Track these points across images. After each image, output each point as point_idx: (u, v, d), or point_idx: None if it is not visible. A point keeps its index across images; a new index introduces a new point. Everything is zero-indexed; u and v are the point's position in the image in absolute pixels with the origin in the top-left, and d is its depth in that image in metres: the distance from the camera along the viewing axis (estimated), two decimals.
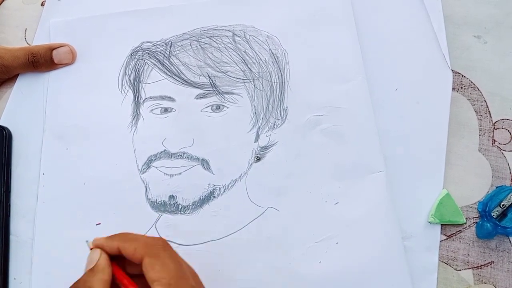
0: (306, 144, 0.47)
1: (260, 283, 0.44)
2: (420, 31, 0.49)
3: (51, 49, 0.51)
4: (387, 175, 0.46)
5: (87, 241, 0.38)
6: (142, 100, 0.50)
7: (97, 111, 0.50)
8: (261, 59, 0.50)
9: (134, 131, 0.49)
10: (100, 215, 0.47)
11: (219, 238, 0.46)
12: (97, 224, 0.47)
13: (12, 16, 0.55)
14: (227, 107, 0.49)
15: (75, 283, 0.36)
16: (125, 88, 0.51)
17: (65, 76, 0.52)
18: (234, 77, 0.49)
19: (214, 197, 0.47)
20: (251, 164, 0.47)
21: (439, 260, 0.44)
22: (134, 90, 0.51)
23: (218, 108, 0.49)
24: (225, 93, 0.49)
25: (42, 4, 0.55)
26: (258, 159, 0.48)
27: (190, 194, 0.47)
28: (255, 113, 0.49)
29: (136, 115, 0.50)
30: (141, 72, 0.51)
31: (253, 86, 0.49)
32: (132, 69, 0.51)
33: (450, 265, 0.44)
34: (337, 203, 0.46)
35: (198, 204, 0.47)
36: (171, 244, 0.45)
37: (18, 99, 0.52)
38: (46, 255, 0.46)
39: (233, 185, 0.47)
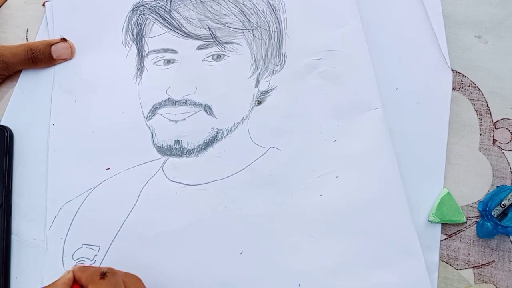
0: (305, 86, 0.49)
1: (265, 217, 0.46)
2: (420, 31, 0.50)
3: (50, 44, 0.52)
4: (385, 114, 0.47)
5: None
6: (145, 54, 0.52)
7: (103, 66, 0.52)
8: (258, 9, 0.52)
9: (139, 82, 0.51)
10: (109, 160, 0.49)
11: (224, 177, 0.48)
12: (106, 169, 0.49)
13: (13, 16, 0.56)
14: (228, 56, 0.51)
15: None
16: (129, 43, 0.53)
17: (70, 34, 0.53)
18: (233, 28, 0.51)
19: (217, 140, 0.49)
20: (252, 107, 0.49)
21: (440, 259, 0.45)
22: (137, 45, 0.52)
23: (219, 57, 0.51)
24: (225, 43, 0.51)
25: (43, 5, 0.55)
26: (259, 102, 0.49)
27: (195, 138, 0.49)
28: (255, 60, 0.50)
29: (140, 67, 0.52)
30: (143, 27, 0.53)
31: (252, 36, 0.51)
32: (135, 24, 0.53)
33: (450, 265, 0.45)
34: (336, 140, 0.47)
35: (203, 147, 0.49)
36: (178, 185, 0.48)
37: (20, 99, 0.52)
38: (59, 201, 0.48)
39: (235, 128, 0.49)
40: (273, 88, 0.50)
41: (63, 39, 0.52)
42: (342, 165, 0.47)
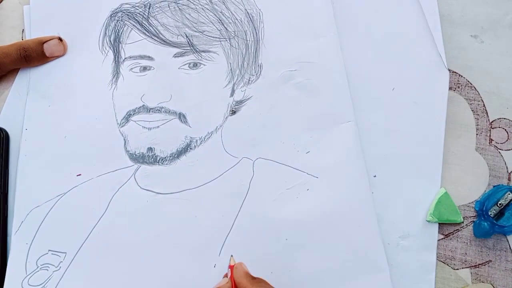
0: (280, 97, 0.49)
1: (235, 228, 0.46)
2: (416, 31, 0.50)
3: (42, 42, 0.51)
4: (357, 127, 0.47)
5: (231, 256, 0.44)
6: (122, 60, 0.52)
7: (79, 71, 0.52)
8: (236, 18, 0.52)
9: (114, 88, 0.51)
10: (80, 166, 0.49)
11: (196, 187, 0.47)
12: (77, 175, 0.48)
13: (9, 17, 0.55)
14: (204, 65, 0.51)
15: None
16: (106, 48, 0.52)
17: None
18: (211, 36, 0.51)
19: (191, 148, 0.48)
20: (227, 117, 0.49)
21: (437, 259, 0.45)
22: (114, 51, 0.52)
23: (195, 65, 0.51)
24: (202, 51, 0.51)
25: None
26: (234, 112, 0.49)
27: (168, 146, 0.49)
28: (231, 70, 0.50)
29: (116, 73, 0.51)
30: (121, 33, 0.52)
31: (229, 45, 0.51)
32: (112, 30, 0.53)
33: (447, 264, 0.45)
34: (308, 152, 0.47)
35: (176, 156, 0.48)
36: (149, 193, 0.48)
37: (16, 101, 0.52)
38: (27, 206, 0.48)
39: (209, 137, 0.49)
40: (248, 98, 0.49)
41: (59, 39, 0.52)
42: (313, 178, 0.46)
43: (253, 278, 0.41)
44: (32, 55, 0.51)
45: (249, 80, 0.50)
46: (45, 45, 0.51)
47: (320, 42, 0.50)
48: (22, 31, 0.55)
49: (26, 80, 0.52)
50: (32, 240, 0.47)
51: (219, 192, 0.47)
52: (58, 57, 0.52)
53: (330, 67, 0.49)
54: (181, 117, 0.49)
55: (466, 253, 0.45)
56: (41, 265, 0.46)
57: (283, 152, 0.48)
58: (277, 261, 0.45)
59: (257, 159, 0.48)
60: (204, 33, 0.51)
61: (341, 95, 0.48)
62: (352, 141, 0.47)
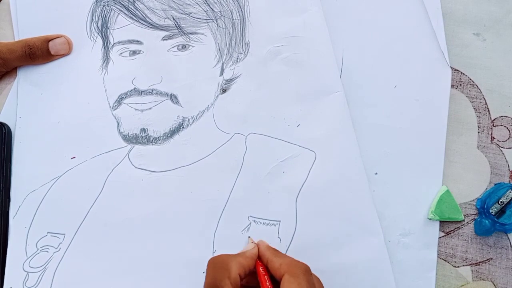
0: (268, 73, 0.50)
1: (230, 201, 0.47)
2: (419, 29, 0.49)
3: (47, 40, 0.51)
4: (345, 97, 0.48)
5: (249, 237, 0.45)
6: (111, 45, 0.52)
7: (69, 58, 0.52)
8: None
9: (105, 73, 0.52)
10: (74, 149, 0.49)
11: (190, 163, 0.48)
12: (72, 158, 0.49)
13: (11, 12, 0.55)
14: (193, 46, 0.51)
15: (218, 255, 0.40)
16: (94, 34, 0.53)
17: (35, 27, 0.53)
18: (198, 18, 0.52)
19: (183, 127, 0.49)
20: (217, 95, 0.50)
21: (438, 257, 0.45)
22: (102, 36, 0.53)
23: (184, 47, 0.51)
24: (190, 33, 0.51)
25: None
26: (224, 91, 0.50)
27: (161, 126, 0.49)
28: (219, 49, 0.51)
29: (106, 59, 0.52)
30: (108, 18, 0.53)
31: (216, 25, 0.52)
32: (99, 16, 0.53)
33: (448, 262, 0.45)
34: (299, 125, 0.48)
35: (169, 135, 0.49)
36: (144, 172, 0.48)
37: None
38: (23, 190, 0.49)
39: (201, 115, 0.49)
40: (238, 76, 0.50)
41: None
42: (305, 149, 0.47)
43: (276, 250, 0.42)
44: (37, 53, 0.51)
45: (237, 58, 0.51)
46: (50, 43, 0.51)
47: (305, 16, 0.51)
48: None
49: (29, 76, 0.52)
50: (31, 224, 0.47)
51: (213, 168, 0.48)
52: (63, 55, 0.52)
53: (316, 40, 0.50)
54: (173, 98, 0.50)
55: (467, 251, 0.45)
56: (41, 247, 0.46)
57: (274, 126, 0.48)
58: (272, 231, 0.45)
59: (249, 134, 0.48)
60: (190, 15, 0.52)
61: (328, 66, 0.49)
62: (341, 110, 0.48)
